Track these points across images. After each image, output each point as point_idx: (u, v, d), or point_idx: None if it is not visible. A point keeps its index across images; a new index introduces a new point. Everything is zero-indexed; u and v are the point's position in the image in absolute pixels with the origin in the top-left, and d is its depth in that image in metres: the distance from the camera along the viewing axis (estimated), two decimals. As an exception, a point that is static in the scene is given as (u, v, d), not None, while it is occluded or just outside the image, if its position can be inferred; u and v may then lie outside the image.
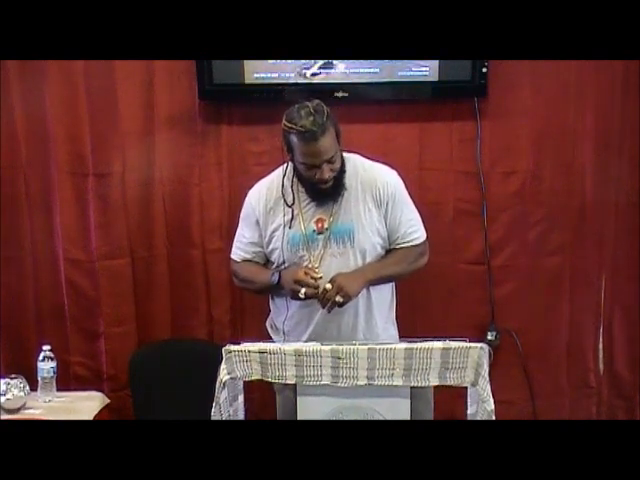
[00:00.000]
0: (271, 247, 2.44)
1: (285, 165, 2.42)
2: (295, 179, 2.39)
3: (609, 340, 3.10)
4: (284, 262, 2.42)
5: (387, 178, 2.42)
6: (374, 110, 2.95)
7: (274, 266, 2.46)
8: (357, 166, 2.42)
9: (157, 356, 2.94)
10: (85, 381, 3.00)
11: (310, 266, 2.35)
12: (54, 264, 2.99)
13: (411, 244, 2.44)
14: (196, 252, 3.01)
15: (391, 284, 2.52)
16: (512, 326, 3.04)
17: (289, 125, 2.26)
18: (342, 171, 2.35)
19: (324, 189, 2.34)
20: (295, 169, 2.37)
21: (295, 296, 2.31)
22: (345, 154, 2.42)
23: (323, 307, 2.30)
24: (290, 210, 2.38)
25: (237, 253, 2.53)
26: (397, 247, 2.43)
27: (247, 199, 2.50)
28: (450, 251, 3.00)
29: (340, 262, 2.37)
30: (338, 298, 2.27)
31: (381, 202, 2.39)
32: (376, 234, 2.39)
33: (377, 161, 2.49)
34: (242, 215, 2.52)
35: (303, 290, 2.27)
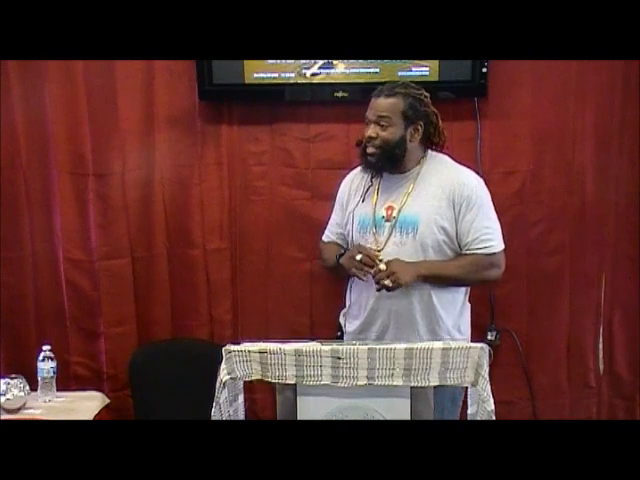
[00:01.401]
0: (348, 227, 2.52)
1: None
2: None
3: (609, 340, 3.09)
4: (354, 243, 2.49)
5: (466, 181, 2.42)
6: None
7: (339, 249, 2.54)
8: (441, 163, 2.46)
9: (157, 356, 2.95)
10: (85, 381, 3.00)
11: (378, 250, 2.39)
12: (54, 264, 2.99)
13: (481, 252, 2.40)
14: (196, 252, 3.00)
15: (464, 290, 2.50)
16: (512, 326, 3.04)
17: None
18: (394, 152, 2.37)
19: (369, 153, 2.39)
20: None
21: (351, 263, 2.35)
22: (434, 152, 2.48)
23: (377, 284, 2.32)
24: (368, 190, 2.45)
25: (325, 234, 2.66)
26: (467, 252, 2.41)
27: (341, 183, 2.61)
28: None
29: (401, 252, 2.37)
30: (387, 281, 2.28)
31: (455, 202, 2.38)
32: (442, 232, 2.38)
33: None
34: (336, 199, 2.62)
35: (359, 256, 2.32)
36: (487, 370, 2.03)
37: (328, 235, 2.65)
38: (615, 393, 3.13)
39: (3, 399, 2.50)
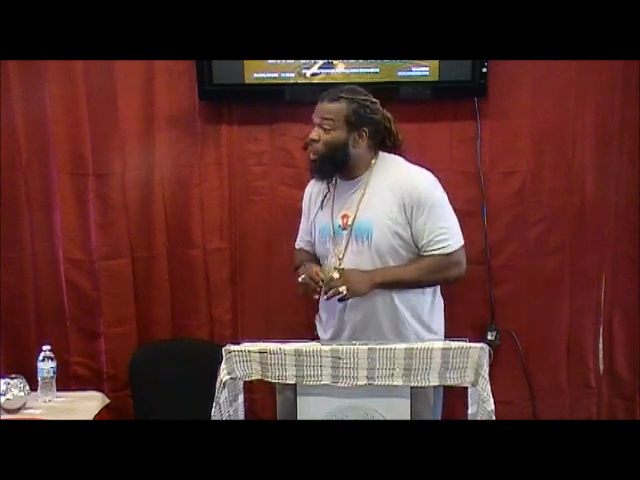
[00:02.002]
0: (312, 236, 2.54)
1: None
2: None
3: (609, 340, 3.09)
4: (318, 251, 2.51)
5: (416, 182, 2.39)
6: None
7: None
8: (391, 168, 2.43)
9: (157, 356, 2.95)
10: (85, 381, 3.00)
11: (334, 261, 2.39)
12: (54, 264, 2.99)
13: (439, 252, 2.37)
14: (196, 252, 3.00)
15: (431, 290, 2.48)
16: (512, 326, 3.04)
17: None
18: (335, 158, 2.35)
19: (311, 159, 2.38)
20: None
21: (299, 284, 2.35)
22: (386, 154, 2.45)
23: (325, 293, 2.31)
24: (325, 199, 2.46)
25: (297, 240, 2.66)
26: (425, 254, 2.39)
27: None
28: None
29: (359, 261, 2.36)
30: (342, 289, 2.27)
31: (405, 207, 2.35)
32: (396, 237, 2.36)
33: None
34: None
35: (301, 278, 2.33)
36: (487, 370, 2.03)
37: (298, 242, 2.65)
38: (615, 393, 3.13)
39: (3, 399, 2.50)
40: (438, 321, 2.53)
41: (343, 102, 2.35)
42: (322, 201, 2.47)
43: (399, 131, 2.48)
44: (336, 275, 2.30)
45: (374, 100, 2.40)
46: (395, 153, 2.50)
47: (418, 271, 2.38)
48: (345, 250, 2.39)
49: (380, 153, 2.45)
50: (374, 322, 2.39)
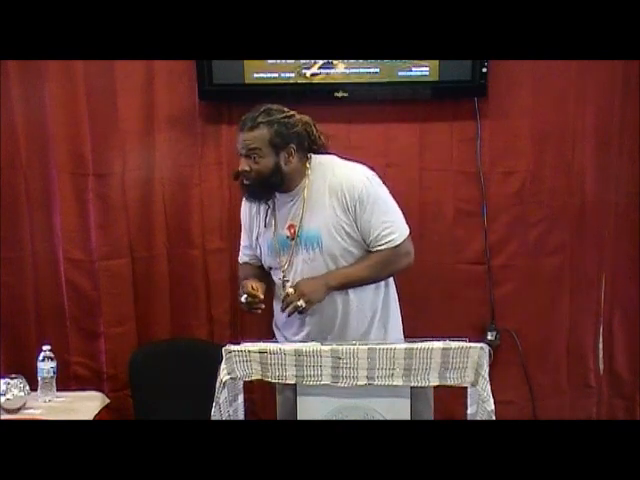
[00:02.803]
0: (257, 252, 2.52)
1: None
2: None
3: (609, 340, 3.10)
4: (268, 266, 2.49)
5: (354, 182, 2.37)
6: (374, 110, 2.95)
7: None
8: (327, 171, 2.40)
9: (157, 356, 2.94)
10: (85, 381, 3.00)
11: (283, 270, 2.41)
12: (54, 264, 2.99)
13: (386, 247, 2.38)
14: (196, 252, 3.01)
15: (376, 287, 2.46)
16: (512, 326, 3.04)
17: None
18: (269, 181, 2.35)
19: (246, 185, 2.38)
20: None
21: (240, 302, 2.38)
22: (319, 157, 2.42)
23: (283, 310, 2.34)
24: (267, 214, 2.44)
25: (240, 254, 2.62)
26: (373, 250, 2.40)
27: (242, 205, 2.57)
28: (450, 251, 3.00)
29: (311, 268, 2.37)
30: (300, 302, 2.28)
31: (348, 207, 2.35)
32: (346, 238, 2.37)
33: (354, 161, 2.46)
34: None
35: (244, 298, 2.35)
36: (487, 370, 2.03)
37: (241, 256, 2.62)
38: (615, 393, 3.13)
39: (3, 399, 2.50)
40: (396, 319, 2.52)
41: (263, 128, 2.32)
42: (265, 218, 2.45)
43: (321, 132, 2.45)
44: (291, 290, 2.32)
45: (290, 114, 2.37)
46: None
47: (369, 268, 2.39)
48: (292, 260, 2.39)
49: (312, 157, 2.42)
50: (340, 323, 2.40)
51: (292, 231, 2.40)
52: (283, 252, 2.41)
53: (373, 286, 2.45)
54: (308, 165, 2.41)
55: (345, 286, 2.38)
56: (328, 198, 2.37)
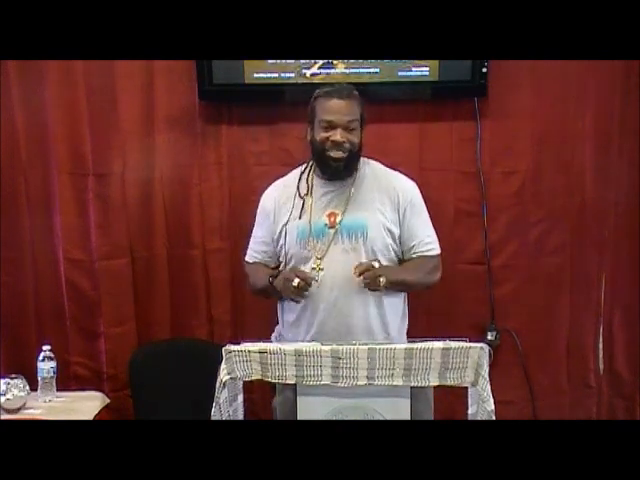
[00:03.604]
0: (281, 242, 2.39)
1: (305, 163, 2.44)
2: (312, 171, 2.40)
3: (609, 340, 3.10)
4: (292, 257, 2.37)
5: (407, 185, 2.42)
6: (374, 110, 2.93)
7: (282, 264, 2.42)
8: (377, 169, 2.42)
9: (157, 356, 2.94)
10: (85, 381, 3.00)
11: (318, 258, 2.31)
12: (54, 264, 2.99)
13: (428, 254, 2.39)
14: (196, 252, 3.01)
15: (404, 295, 2.46)
16: (512, 326, 3.04)
17: (319, 91, 2.34)
18: (357, 156, 2.34)
19: (335, 159, 2.29)
20: (312, 151, 2.37)
21: (288, 288, 2.24)
22: (364, 158, 2.42)
23: (358, 275, 2.21)
24: (301, 201, 2.36)
25: (249, 254, 2.51)
26: (414, 256, 2.39)
27: (261, 199, 2.50)
28: (450, 251, 2.99)
29: (351, 258, 2.31)
30: (382, 279, 2.22)
31: (399, 206, 2.36)
32: (389, 235, 2.36)
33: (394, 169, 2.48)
34: (257, 216, 2.50)
35: (296, 281, 2.22)
36: (487, 370, 2.03)
37: (253, 255, 2.49)
38: (615, 393, 3.13)
39: (3, 399, 2.50)
40: (406, 328, 2.49)
41: (356, 99, 2.32)
42: (302, 205, 2.37)
43: None
44: (376, 264, 2.25)
45: None
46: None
47: (415, 273, 2.38)
48: (329, 248, 2.32)
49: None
50: (363, 325, 2.34)
51: (332, 219, 2.34)
52: (319, 239, 2.32)
53: (400, 295, 2.43)
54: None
55: (396, 285, 2.34)
56: (378, 194, 2.37)
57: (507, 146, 2.97)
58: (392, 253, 2.38)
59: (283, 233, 2.38)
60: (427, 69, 2.84)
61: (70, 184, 2.93)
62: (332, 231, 2.34)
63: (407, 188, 2.41)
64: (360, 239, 2.33)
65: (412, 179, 2.47)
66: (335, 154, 2.30)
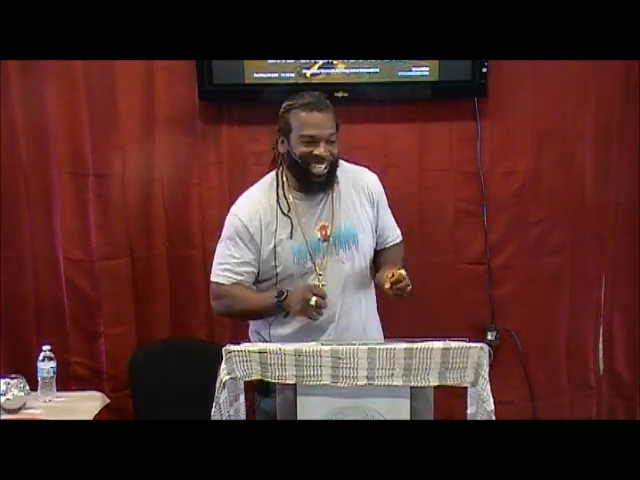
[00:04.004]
0: (272, 263, 2.30)
1: (275, 174, 2.36)
2: (287, 187, 2.31)
3: (609, 340, 3.10)
4: (288, 277, 2.31)
5: (374, 179, 2.43)
6: (374, 110, 2.95)
7: (270, 283, 2.33)
8: (347, 170, 2.39)
9: (157, 356, 2.94)
10: (85, 381, 3.00)
11: (319, 274, 2.29)
12: (54, 264, 2.99)
13: (398, 240, 2.47)
14: (196, 252, 3.00)
15: (372, 284, 2.45)
16: (512, 326, 3.04)
17: (291, 102, 2.26)
18: (336, 167, 2.30)
19: (318, 175, 2.24)
20: (288, 165, 2.30)
21: (305, 306, 2.18)
22: None
23: (396, 291, 2.16)
24: (289, 221, 2.29)
25: (224, 275, 2.33)
26: (388, 245, 2.44)
27: (233, 217, 2.33)
28: (450, 251, 3.01)
29: (348, 267, 2.33)
30: (410, 288, 2.18)
31: (373, 202, 2.39)
32: (371, 235, 2.39)
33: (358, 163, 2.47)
34: (228, 234, 2.33)
35: (314, 299, 2.16)
36: (487, 370, 2.03)
37: (230, 277, 2.31)
38: (615, 393, 3.13)
39: (3, 399, 2.50)
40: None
41: (332, 109, 2.26)
42: (291, 223, 2.29)
43: None
44: (404, 272, 2.17)
45: None
46: None
47: (403, 262, 2.40)
48: (327, 262, 2.31)
49: None
50: (359, 326, 2.37)
51: (324, 232, 2.32)
52: (316, 255, 2.30)
53: (372, 285, 2.44)
54: None
55: None
56: (356, 196, 2.36)
57: (507, 146, 2.97)
58: (372, 250, 2.42)
59: (274, 254, 2.29)
60: (427, 69, 2.84)
61: (70, 184, 2.93)
62: (326, 244, 2.32)
63: (375, 182, 2.42)
64: (353, 247, 2.34)
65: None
66: (318, 170, 2.24)
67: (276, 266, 2.30)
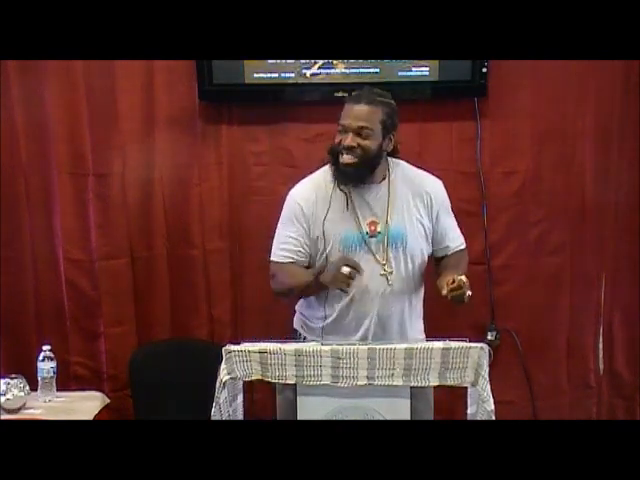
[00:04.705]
0: (321, 247, 2.34)
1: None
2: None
3: (609, 340, 3.10)
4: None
5: (437, 187, 2.43)
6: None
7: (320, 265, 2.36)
8: (406, 170, 2.42)
9: (157, 356, 2.94)
10: (85, 381, 3.00)
11: (378, 268, 2.32)
12: (54, 264, 2.99)
13: (461, 248, 2.47)
14: (196, 252, 3.00)
15: (421, 291, 2.47)
16: (512, 326, 3.04)
17: (348, 96, 2.36)
18: (372, 162, 2.30)
19: (346, 163, 2.27)
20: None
21: (337, 276, 2.19)
22: (393, 159, 2.41)
23: (455, 297, 2.17)
24: (341, 210, 2.32)
25: (281, 254, 2.40)
26: (450, 252, 2.44)
27: (291, 198, 2.40)
28: (450, 251, 3.00)
29: (392, 266, 2.33)
30: (469, 294, 2.18)
31: (431, 210, 2.38)
32: (424, 240, 2.39)
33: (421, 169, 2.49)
34: (286, 214, 2.41)
35: (347, 269, 2.16)
36: (487, 370, 2.03)
37: (285, 255, 2.38)
38: (615, 393, 3.13)
39: (3, 399, 2.50)
40: (422, 329, 2.51)
41: (379, 106, 2.28)
42: (345, 208, 2.33)
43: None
44: (464, 278, 2.17)
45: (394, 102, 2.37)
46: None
47: (463, 269, 2.40)
48: (370, 257, 2.32)
49: (389, 158, 2.41)
50: (408, 321, 2.39)
51: (372, 228, 2.33)
52: (361, 248, 2.32)
53: (421, 291, 2.46)
54: (388, 163, 2.39)
55: None
56: (412, 199, 2.37)
57: (507, 146, 2.97)
58: (425, 255, 2.41)
59: (324, 239, 2.34)
60: (427, 69, 2.84)
61: (70, 184, 2.93)
62: (374, 240, 2.33)
63: (437, 189, 2.42)
64: (400, 248, 2.34)
65: (437, 177, 2.48)
66: (344, 159, 2.28)
67: (323, 251, 2.34)
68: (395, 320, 2.37)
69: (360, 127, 2.26)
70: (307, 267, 2.40)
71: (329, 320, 2.37)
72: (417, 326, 2.46)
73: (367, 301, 2.33)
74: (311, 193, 2.37)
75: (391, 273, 2.32)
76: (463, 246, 2.48)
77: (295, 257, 2.38)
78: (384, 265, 2.33)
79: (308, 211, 2.36)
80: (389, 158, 2.41)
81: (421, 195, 2.38)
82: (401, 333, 2.37)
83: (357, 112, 2.27)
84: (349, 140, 2.27)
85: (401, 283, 2.36)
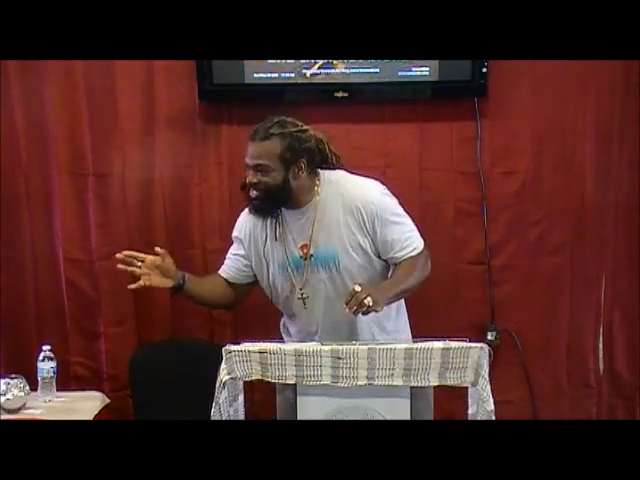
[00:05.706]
0: (262, 269, 2.43)
1: None
2: None
3: (609, 340, 3.10)
4: (278, 285, 2.41)
5: (369, 198, 2.32)
6: (374, 110, 2.95)
7: (269, 292, 2.45)
8: (339, 187, 2.34)
9: (157, 356, 2.94)
10: (85, 381, 3.00)
11: (300, 289, 2.36)
12: (54, 264, 2.99)
13: (412, 254, 2.34)
14: (196, 252, 3.00)
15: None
16: (512, 326, 3.04)
17: None
18: (278, 196, 2.30)
19: (253, 197, 2.31)
20: None
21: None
22: (328, 173, 2.36)
23: (350, 308, 2.12)
24: (275, 235, 2.37)
25: (222, 267, 2.52)
26: (400, 260, 2.34)
27: (235, 229, 2.52)
28: (450, 251, 3.00)
29: (329, 287, 2.34)
30: (368, 300, 2.09)
31: (365, 224, 2.31)
32: (363, 256, 2.33)
33: (363, 174, 2.43)
34: (233, 236, 2.52)
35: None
36: (487, 370, 2.03)
37: (223, 269, 2.51)
38: (615, 393, 3.13)
39: (3, 399, 2.50)
40: (401, 324, 2.49)
41: (275, 139, 2.25)
42: (275, 233, 2.37)
43: (334, 149, 2.40)
44: (358, 287, 2.11)
45: (304, 128, 2.33)
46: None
47: (412, 277, 2.31)
48: (308, 279, 2.34)
49: (321, 172, 2.36)
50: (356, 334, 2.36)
51: (305, 251, 2.34)
52: (297, 272, 2.36)
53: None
54: (318, 182, 2.35)
55: (398, 297, 2.32)
56: (342, 216, 2.32)
57: (507, 146, 2.97)
58: (376, 266, 2.36)
59: (264, 262, 2.42)
60: (427, 69, 2.84)
61: (70, 184, 2.93)
62: (307, 262, 2.34)
63: (369, 201, 2.31)
64: (333, 269, 2.33)
65: (375, 178, 2.40)
66: (251, 193, 2.32)
67: (268, 275, 2.42)
68: (344, 338, 2.30)
69: (256, 165, 2.28)
70: (251, 283, 2.49)
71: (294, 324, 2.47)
72: (391, 327, 2.42)
73: (311, 319, 2.39)
74: (249, 221, 2.45)
75: (307, 298, 2.35)
76: (415, 252, 2.34)
77: (230, 272, 2.50)
78: (301, 290, 2.36)
79: (247, 236, 2.45)
80: (325, 173, 2.36)
81: (351, 211, 2.31)
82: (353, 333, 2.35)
83: (252, 150, 2.29)
84: (250, 177, 2.30)
85: (340, 302, 2.24)
